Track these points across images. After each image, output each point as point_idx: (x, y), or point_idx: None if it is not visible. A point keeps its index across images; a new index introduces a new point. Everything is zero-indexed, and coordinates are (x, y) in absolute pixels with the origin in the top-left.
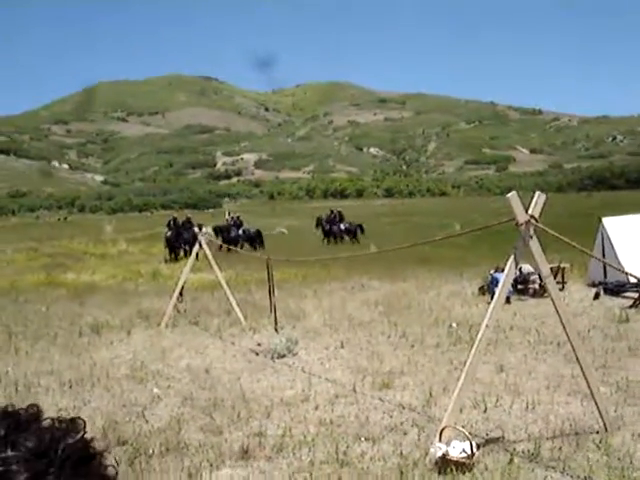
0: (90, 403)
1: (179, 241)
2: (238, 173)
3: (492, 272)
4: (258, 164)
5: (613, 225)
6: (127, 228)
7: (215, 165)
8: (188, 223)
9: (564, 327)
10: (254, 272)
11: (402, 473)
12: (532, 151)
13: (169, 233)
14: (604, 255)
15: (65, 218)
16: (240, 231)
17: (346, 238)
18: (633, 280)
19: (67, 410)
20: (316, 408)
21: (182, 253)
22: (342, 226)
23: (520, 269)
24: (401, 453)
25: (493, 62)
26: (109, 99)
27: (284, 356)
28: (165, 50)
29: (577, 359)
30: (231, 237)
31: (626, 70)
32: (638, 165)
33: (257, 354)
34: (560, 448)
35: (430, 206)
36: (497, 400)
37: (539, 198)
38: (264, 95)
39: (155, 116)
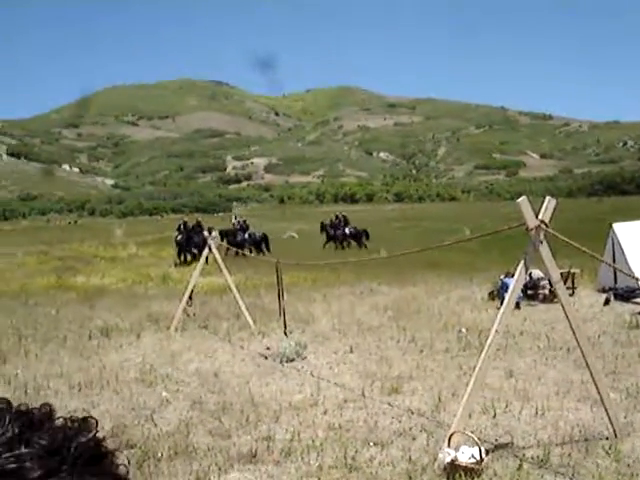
0: (99, 406)
1: (189, 245)
2: (248, 177)
3: (502, 277)
4: (268, 168)
5: (624, 230)
6: (137, 232)
7: (225, 169)
8: (198, 227)
9: (574, 333)
10: (263, 276)
11: (410, 478)
12: (542, 156)
13: (179, 237)
14: (614, 261)
15: (75, 221)
16: (246, 235)
17: (352, 243)
18: None
19: (76, 413)
20: (325, 413)
21: (190, 257)
22: (347, 230)
23: (530, 274)
24: (410, 458)
25: (503, 67)
26: (120, 103)
27: (293, 360)
28: (176, 54)
29: (587, 365)
30: (237, 241)
31: (637, 75)
32: None
33: (266, 358)
34: (569, 454)
35: (440, 211)
36: (506, 406)
37: (549, 203)
38: (274, 100)
39: (166, 120)
